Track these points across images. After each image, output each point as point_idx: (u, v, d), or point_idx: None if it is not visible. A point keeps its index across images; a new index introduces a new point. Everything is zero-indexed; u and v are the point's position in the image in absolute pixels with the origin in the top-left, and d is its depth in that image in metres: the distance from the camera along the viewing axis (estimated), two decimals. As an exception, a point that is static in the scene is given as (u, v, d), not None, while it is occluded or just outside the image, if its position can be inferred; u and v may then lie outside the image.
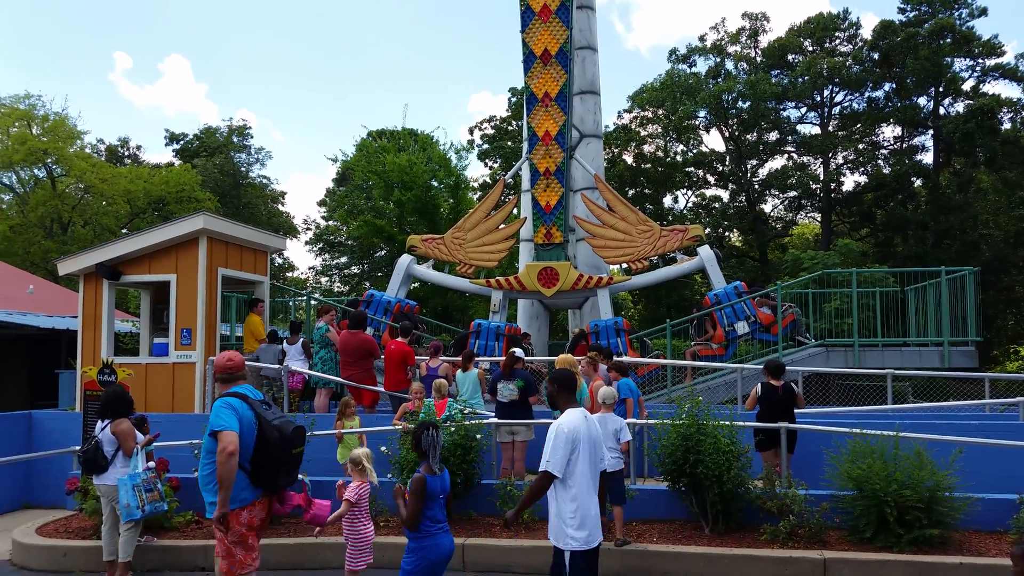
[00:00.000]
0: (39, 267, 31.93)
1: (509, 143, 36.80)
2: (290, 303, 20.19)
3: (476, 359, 11.64)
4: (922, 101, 31.98)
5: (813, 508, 7.92)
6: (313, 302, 17.95)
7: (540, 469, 5.06)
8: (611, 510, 8.02)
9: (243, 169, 45.49)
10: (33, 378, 19.41)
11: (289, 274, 46.18)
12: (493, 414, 10.15)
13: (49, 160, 34.79)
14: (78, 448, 9.70)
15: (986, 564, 7.16)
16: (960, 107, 31.21)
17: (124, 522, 7.65)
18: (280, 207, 47.96)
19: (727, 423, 8.38)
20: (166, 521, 8.64)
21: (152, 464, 8.09)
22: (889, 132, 34.72)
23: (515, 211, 19.75)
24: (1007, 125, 30.10)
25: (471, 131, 39.18)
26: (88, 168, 34.27)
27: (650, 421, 9.23)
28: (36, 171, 35.87)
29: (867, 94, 33.00)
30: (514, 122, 37.00)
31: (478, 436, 9.04)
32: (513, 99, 37.23)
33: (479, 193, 34.92)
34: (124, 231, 33.62)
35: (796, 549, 7.63)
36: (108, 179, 34.52)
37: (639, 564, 7.73)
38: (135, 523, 7.69)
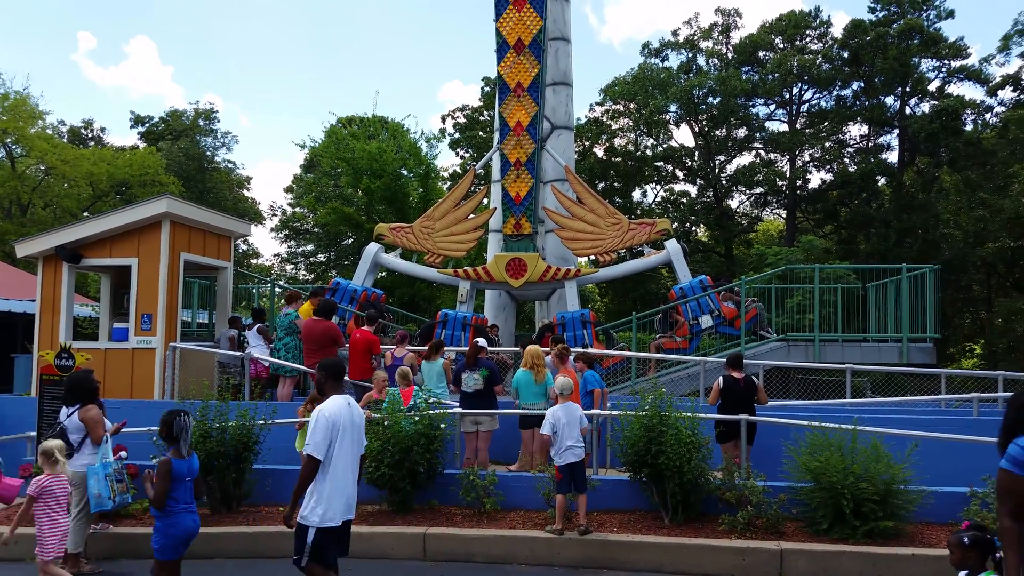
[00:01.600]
0: (-4, 249, 31.22)
1: (481, 133, 36.68)
2: (254, 290, 19.96)
3: (444, 349, 11.60)
4: (889, 100, 32.43)
5: (771, 499, 8.03)
6: (278, 289, 17.77)
7: (303, 453, 5.40)
8: (573, 499, 8.06)
9: (209, 153, 44.86)
10: (-12, 362, 18.98)
11: (254, 261, 45.67)
12: (458, 404, 10.14)
13: (9, 140, 33.97)
14: (33, 434, 9.53)
15: (937, 555, 7.29)
16: (926, 107, 31.68)
17: (78, 511, 7.53)
18: (246, 193, 47.43)
19: (689, 415, 8.45)
20: (122, 508, 8.51)
21: (123, 454, 7.99)
22: (856, 131, 35.21)
23: (485, 201, 19.71)
24: (970, 126, 30.65)
25: (443, 119, 39.01)
26: (49, 149, 33.53)
27: (613, 412, 9.27)
28: (-6, 151, 35.05)
29: (835, 92, 33.38)
30: (486, 112, 36.88)
31: (442, 426, 9.02)
32: (486, 88, 37.08)
33: (449, 183, 34.78)
34: (85, 214, 33.00)
35: (754, 540, 7.73)
36: (70, 161, 33.81)
37: (599, 553, 7.77)
38: (86, 513, 7.57)
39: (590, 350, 13.54)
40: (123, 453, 8.14)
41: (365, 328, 12.06)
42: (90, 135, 45.04)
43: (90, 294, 24.03)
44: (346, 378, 11.73)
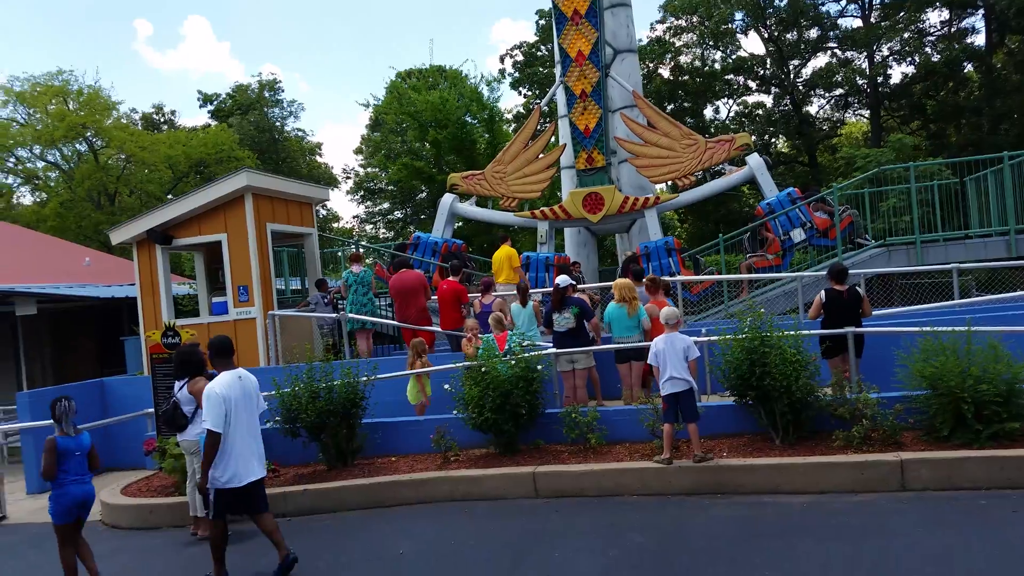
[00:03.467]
0: (92, 239, 32.64)
1: (541, 69, 36.03)
2: (339, 253, 20.32)
3: (530, 291, 11.57)
4: (971, -21, 30.27)
5: (886, 411, 7.75)
6: (362, 250, 17.98)
7: (205, 428, 6.04)
8: (680, 428, 7.98)
9: (278, 124, 45.52)
10: (100, 347, 20.00)
11: (335, 224, 46.50)
12: (551, 344, 10.12)
13: (89, 133, 35.22)
14: (151, 410, 10.00)
15: (1071, 453, 6.96)
16: (1013, -20, 29.41)
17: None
18: (318, 158, 48.08)
19: (792, 333, 8.20)
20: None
21: None
22: (935, 17, 33.06)
23: (553, 139, 19.40)
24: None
25: (501, 59, 38.63)
26: (127, 138, 34.65)
27: (712, 338, 9.09)
28: (78, 146, 36.40)
29: (910, -22, 31.34)
30: (543, 47, 36.15)
31: (539, 367, 9.03)
32: (540, 22, 36.27)
33: (514, 124, 34.42)
34: (169, 196, 34.07)
35: (871, 453, 7.50)
36: (148, 146, 34.91)
37: (712, 479, 7.68)
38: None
39: (678, 277, 13.33)
40: None
41: (451, 279, 12.11)
42: (162, 119, 46.25)
43: (185, 273, 24.93)
44: (438, 328, 11.98)
